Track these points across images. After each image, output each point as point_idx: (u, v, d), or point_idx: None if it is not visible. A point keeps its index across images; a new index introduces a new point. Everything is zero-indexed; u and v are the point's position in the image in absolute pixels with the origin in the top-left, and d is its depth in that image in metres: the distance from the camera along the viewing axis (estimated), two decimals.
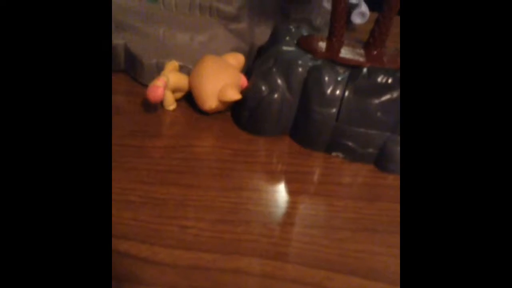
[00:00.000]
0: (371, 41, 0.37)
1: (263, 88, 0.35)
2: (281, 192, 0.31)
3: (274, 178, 0.32)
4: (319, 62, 0.35)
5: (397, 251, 0.26)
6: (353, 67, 0.35)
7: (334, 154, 0.35)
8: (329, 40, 0.39)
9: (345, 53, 0.36)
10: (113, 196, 0.27)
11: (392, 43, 0.37)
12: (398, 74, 0.33)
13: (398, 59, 0.36)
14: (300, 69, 0.35)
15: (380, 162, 0.34)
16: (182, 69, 0.39)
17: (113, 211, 0.26)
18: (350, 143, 0.34)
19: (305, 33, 0.41)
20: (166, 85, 0.35)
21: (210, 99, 0.36)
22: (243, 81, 0.37)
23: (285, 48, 0.37)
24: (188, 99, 0.39)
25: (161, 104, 0.38)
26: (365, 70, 0.34)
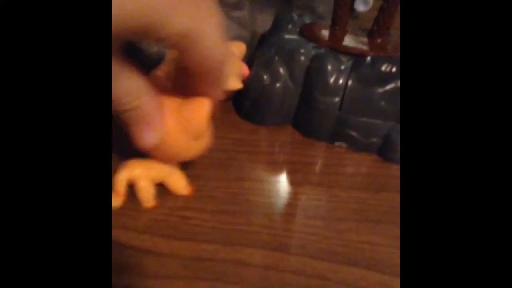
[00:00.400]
0: (375, 29, 0.37)
1: (265, 77, 0.35)
2: (283, 183, 0.30)
3: (276, 168, 0.32)
4: (322, 50, 0.35)
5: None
6: (356, 56, 0.34)
7: (337, 144, 0.35)
8: (332, 28, 0.38)
9: (348, 41, 0.36)
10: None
11: (397, 31, 0.36)
12: None
13: None
14: (302, 58, 0.34)
15: (383, 152, 0.33)
16: None
17: None
18: (353, 133, 0.34)
19: (307, 21, 0.40)
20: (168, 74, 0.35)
21: None
22: (245, 70, 0.37)
23: (287, 36, 0.37)
24: None
25: None
26: (369, 58, 0.33)
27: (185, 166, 0.29)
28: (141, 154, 0.25)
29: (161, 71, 0.34)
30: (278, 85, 0.34)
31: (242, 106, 0.37)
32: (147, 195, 0.26)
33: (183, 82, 0.24)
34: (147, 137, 0.23)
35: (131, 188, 0.26)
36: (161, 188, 0.27)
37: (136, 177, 0.26)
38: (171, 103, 0.24)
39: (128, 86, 0.21)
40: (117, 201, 0.26)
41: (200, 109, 0.24)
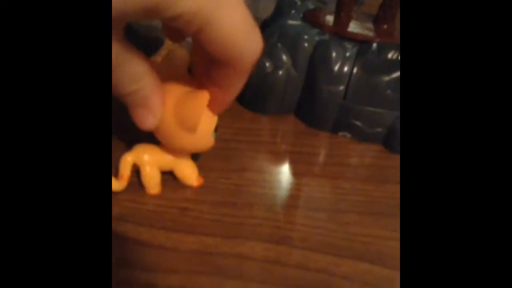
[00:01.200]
0: (381, 15, 0.36)
1: (267, 64, 0.34)
2: (285, 174, 0.30)
3: (278, 158, 0.31)
4: (326, 37, 0.34)
5: None
6: (362, 43, 0.33)
7: (341, 133, 0.34)
8: (336, 13, 0.37)
9: (353, 27, 0.35)
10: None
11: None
12: None
13: None
14: (306, 45, 0.33)
15: (389, 142, 0.32)
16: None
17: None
18: (357, 122, 0.33)
19: (311, 6, 0.39)
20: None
21: None
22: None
23: (290, 22, 0.36)
24: None
25: None
26: (374, 45, 0.32)
27: None
28: (151, 139, 0.25)
29: (159, 57, 0.33)
30: (280, 72, 0.33)
31: (243, 94, 0.36)
32: (152, 182, 0.26)
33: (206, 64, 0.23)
34: (146, 120, 0.23)
35: (132, 178, 0.25)
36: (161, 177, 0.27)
37: (142, 162, 0.25)
38: (171, 91, 0.23)
39: (130, 70, 0.20)
40: (120, 184, 0.25)
41: (195, 103, 0.23)
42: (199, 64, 0.25)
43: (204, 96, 0.22)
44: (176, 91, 0.23)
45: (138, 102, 0.22)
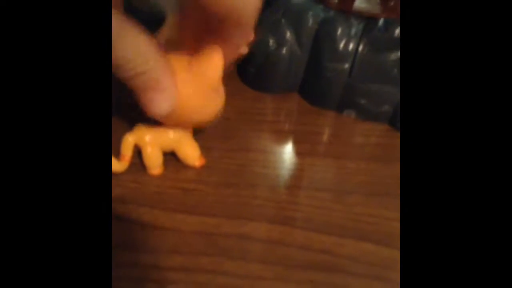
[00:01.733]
0: None
1: (271, 42, 0.33)
2: (289, 153, 0.29)
3: (281, 138, 0.30)
4: (331, 13, 0.33)
5: None
6: (368, 19, 0.32)
7: (346, 112, 0.33)
8: None
9: (359, 2, 0.34)
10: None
11: None
12: None
13: None
14: (310, 21, 0.32)
15: (395, 121, 0.32)
16: None
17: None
18: (363, 101, 0.32)
19: None
20: None
21: None
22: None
23: None
24: None
25: None
26: (381, 22, 0.31)
27: None
28: (150, 119, 0.24)
29: (162, 36, 0.33)
30: (284, 50, 0.33)
31: (246, 72, 0.35)
32: (154, 162, 0.25)
33: (200, 32, 0.23)
34: (159, 104, 0.21)
35: (133, 159, 0.25)
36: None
37: (144, 143, 0.25)
38: (179, 62, 0.23)
39: (133, 49, 0.19)
40: (121, 166, 0.25)
41: (215, 59, 0.22)
42: (187, 38, 0.24)
43: (219, 51, 0.23)
44: (178, 65, 0.23)
45: (150, 84, 0.21)
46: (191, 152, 0.26)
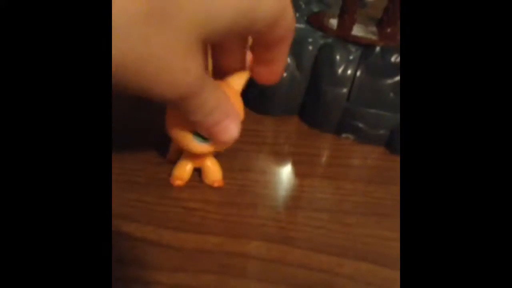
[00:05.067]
0: (385, 19, 0.36)
1: None
2: (288, 175, 0.30)
3: (281, 159, 0.31)
4: (330, 40, 0.34)
5: None
6: (365, 46, 0.33)
7: (344, 135, 0.34)
8: (340, 17, 0.37)
9: (357, 31, 0.35)
10: (118, 177, 0.27)
11: None
12: None
13: None
14: (310, 47, 0.33)
15: (391, 144, 0.33)
16: None
17: (117, 192, 0.26)
18: (361, 124, 0.33)
19: (315, 9, 0.40)
20: None
21: None
22: (251, 58, 0.36)
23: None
24: None
25: None
26: (378, 49, 0.32)
27: None
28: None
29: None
30: (285, 74, 0.34)
31: (248, 95, 0.36)
32: (184, 174, 0.27)
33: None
34: (232, 129, 0.21)
35: (127, 175, 0.26)
36: (165, 179, 0.27)
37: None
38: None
39: (215, 99, 0.19)
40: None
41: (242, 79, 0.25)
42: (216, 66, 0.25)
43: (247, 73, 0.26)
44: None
45: (220, 117, 0.20)
46: (215, 173, 0.27)
